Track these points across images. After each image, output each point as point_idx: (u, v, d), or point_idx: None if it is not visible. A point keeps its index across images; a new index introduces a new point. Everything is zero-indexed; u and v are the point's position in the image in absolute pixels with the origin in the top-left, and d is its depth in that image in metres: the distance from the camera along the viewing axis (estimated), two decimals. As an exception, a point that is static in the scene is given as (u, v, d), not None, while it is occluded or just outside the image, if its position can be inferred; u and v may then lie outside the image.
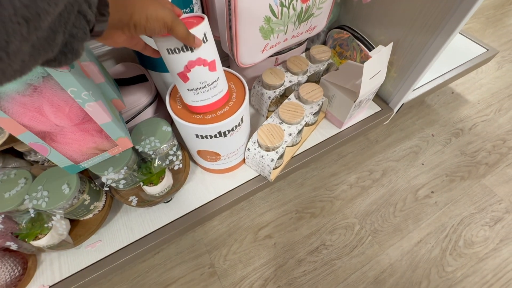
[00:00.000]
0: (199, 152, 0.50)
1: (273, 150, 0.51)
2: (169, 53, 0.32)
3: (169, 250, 0.66)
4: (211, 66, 0.36)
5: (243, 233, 0.68)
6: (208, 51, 0.34)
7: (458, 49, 0.80)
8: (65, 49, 0.19)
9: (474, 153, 0.81)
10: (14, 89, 0.27)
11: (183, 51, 0.32)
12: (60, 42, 0.18)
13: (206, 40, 0.33)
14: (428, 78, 0.74)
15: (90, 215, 0.47)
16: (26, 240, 0.40)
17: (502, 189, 0.73)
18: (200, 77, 0.36)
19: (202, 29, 0.32)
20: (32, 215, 0.40)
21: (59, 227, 0.42)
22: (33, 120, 0.29)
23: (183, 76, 0.35)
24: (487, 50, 0.80)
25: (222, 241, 0.67)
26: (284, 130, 0.52)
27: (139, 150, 0.45)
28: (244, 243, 0.67)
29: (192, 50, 0.32)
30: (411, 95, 0.69)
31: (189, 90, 0.37)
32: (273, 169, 0.56)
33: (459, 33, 0.85)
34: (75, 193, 0.41)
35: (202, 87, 0.37)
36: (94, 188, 0.46)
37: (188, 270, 0.63)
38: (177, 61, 0.33)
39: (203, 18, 0.32)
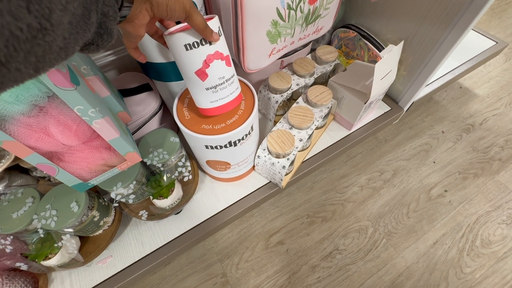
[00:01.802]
0: (208, 162, 0.48)
1: (284, 157, 0.49)
2: (187, 49, 0.31)
3: (180, 260, 0.65)
4: (227, 61, 0.35)
5: (254, 240, 0.67)
6: (224, 44, 0.34)
7: (467, 43, 0.78)
8: (100, 30, 0.20)
9: (486, 148, 0.79)
10: (19, 111, 0.25)
11: (202, 45, 0.31)
12: (95, 21, 0.19)
13: (221, 34, 0.32)
14: (438, 75, 0.72)
15: (100, 231, 0.46)
16: (36, 260, 0.39)
17: (517, 185, 0.72)
18: (219, 72, 0.34)
19: (216, 23, 0.31)
20: (41, 235, 0.39)
21: (69, 246, 0.41)
22: (39, 141, 0.28)
23: (202, 74, 0.34)
24: (496, 43, 0.78)
25: (234, 249, 0.66)
26: (295, 135, 0.50)
27: (148, 163, 0.43)
28: (255, 250, 0.65)
29: (210, 43, 0.31)
30: (421, 93, 0.67)
31: (207, 89, 0.35)
32: (284, 175, 0.55)
33: (466, 26, 0.83)
34: (84, 210, 0.40)
35: (221, 83, 0.36)
36: (103, 203, 0.45)
37: (200, 280, 0.62)
38: (196, 56, 0.32)
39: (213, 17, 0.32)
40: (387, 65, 0.49)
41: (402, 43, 0.49)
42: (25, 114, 0.26)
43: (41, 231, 0.38)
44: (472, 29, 0.83)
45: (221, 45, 0.33)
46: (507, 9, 1.18)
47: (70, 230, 0.40)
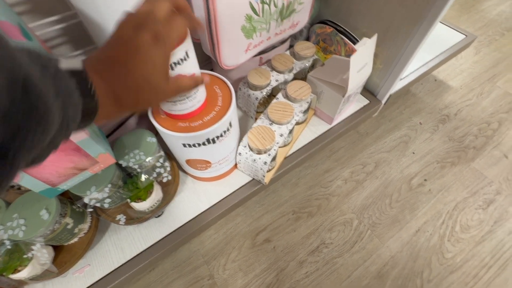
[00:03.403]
0: (188, 161, 0.47)
1: (265, 152, 0.49)
2: None
3: (165, 265, 0.63)
4: None
5: (240, 240, 0.66)
6: (188, 67, 0.32)
7: (439, 37, 0.81)
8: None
9: (461, 137, 0.82)
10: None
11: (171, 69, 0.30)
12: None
13: (188, 57, 0.31)
14: (412, 68, 0.74)
15: (75, 239, 0.44)
16: (4, 274, 0.37)
17: (491, 172, 0.75)
18: None
19: (184, 48, 0.30)
20: (9, 247, 0.36)
21: (41, 257, 0.38)
22: None
23: None
24: (466, 36, 0.82)
25: (220, 250, 0.64)
26: (275, 131, 0.50)
27: (123, 165, 0.42)
28: (242, 250, 0.64)
29: (172, 68, 0.30)
30: (397, 85, 0.69)
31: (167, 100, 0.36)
32: (267, 171, 0.54)
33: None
34: (56, 218, 0.38)
35: (181, 100, 0.36)
36: (77, 209, 0.43)
37: (186, 284, 0.60)
38: None
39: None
40: (362, 58, 0.49)
41: (375, 36, 0.50)
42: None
43: (8, 242, 0.36)
44: (443, 24, 0.86)
45: (185, 68, 0.31)
46: (475, 4, 1.23)
47: (41, 239, 0.37)
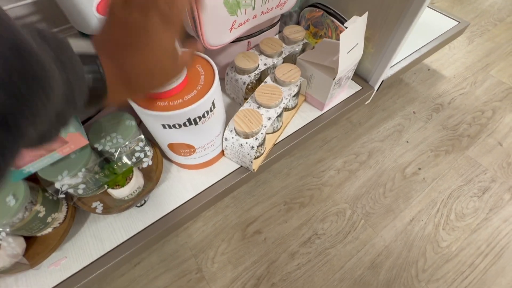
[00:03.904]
0: (170, 146, 0.45)
1: (252, 136, 0.46)
2: None
3: (151, 259, 0.60)
4: None
5: (230, 232, 0.63)
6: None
7: (431, 23, 0.80)
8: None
9: (455, 126, 0.80)
10: None
11: None
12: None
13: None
14: (404, 54, 0.72)
15: (49, 229, 0.41)
16: (-33, 266, 0.34)
17: (486, 159, 0.73)
18: None
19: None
20: (-29, 236, 0.33)
21: (7, 247, 0.36)
22: None
23: None
24: (459, 22, 0.80)
25: (208, 242, 0.62)
26: (263, 114, 0.48)
27: (99, 149, 0.39)
28: (232, 242, 0.62)
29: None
30: (390, 71, 0.67)
31: None
32: (255, 158, 0.52)
33: (431, 8, 0.85)
34: (24, 205, 0.35)
35: None
36: (50, 197, 0.40)
37: (173, 278, 0.58)
38: None
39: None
40: (352, 37, 0.47)
41: (366, 14, 0.48)
42: None
43: (-31, 231, 0.33)
44: (436, 10, 0.85)
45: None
46: (467, -5, 1.23)
47: (7, 228, 0.35)
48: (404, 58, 0.72)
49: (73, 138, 0.33)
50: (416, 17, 0.49)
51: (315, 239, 0.62)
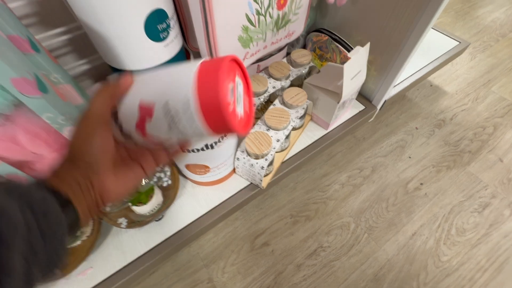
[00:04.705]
0: (187, 166, 0.49)
1: (262, 157, 0.50)
2: None
3: (165, 268, 0.64)
4: None
5: (239, 243, 0.67)
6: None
7: (433, 43, 0.83)
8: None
9: (457, 142, 0.83)
10: (-17, 121, 0.25)
11: None
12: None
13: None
14: (407, 74, 0.76)
15: (78, 242, 0.45)
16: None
17: (486, 175, 0.76)
18: None
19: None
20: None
21: (45, 259, 0.40)
22: (7, 150, 0.28)
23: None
24: (460, 42, 0.83)
25: (219, 253, 0.66)
26: (272, 136, 0.52)
27: (125, 170, 0.43)
28: (241, 253, 0.66)
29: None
30: (392, 91, 0.71)
31: None
32: (264, 176, 0.56)
33: (432, 28, 0.88)
34: (60, 221, 0.40)
35: None
36: (80, 213, 0.45)
37: (186, 287, 0.61)
38: None
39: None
40: (355, 66, 0.51)
41: (368, 44, 0.52)
42: (-10, 124, 0.26)
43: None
44: (438, 31, 0.88)
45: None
46: (470, 11, 1.26)
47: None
48: (406, 78, 0.75)
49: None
50: (416, 44, 0.53)
51: (320, 252, 0.65)
